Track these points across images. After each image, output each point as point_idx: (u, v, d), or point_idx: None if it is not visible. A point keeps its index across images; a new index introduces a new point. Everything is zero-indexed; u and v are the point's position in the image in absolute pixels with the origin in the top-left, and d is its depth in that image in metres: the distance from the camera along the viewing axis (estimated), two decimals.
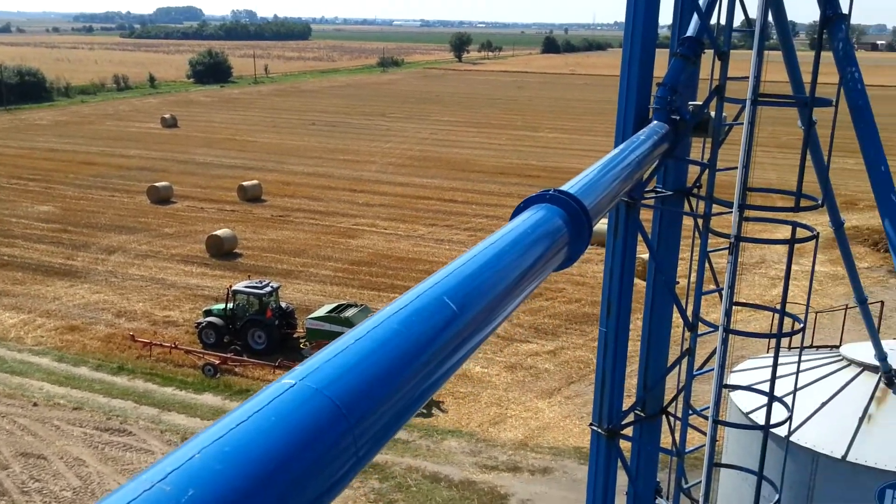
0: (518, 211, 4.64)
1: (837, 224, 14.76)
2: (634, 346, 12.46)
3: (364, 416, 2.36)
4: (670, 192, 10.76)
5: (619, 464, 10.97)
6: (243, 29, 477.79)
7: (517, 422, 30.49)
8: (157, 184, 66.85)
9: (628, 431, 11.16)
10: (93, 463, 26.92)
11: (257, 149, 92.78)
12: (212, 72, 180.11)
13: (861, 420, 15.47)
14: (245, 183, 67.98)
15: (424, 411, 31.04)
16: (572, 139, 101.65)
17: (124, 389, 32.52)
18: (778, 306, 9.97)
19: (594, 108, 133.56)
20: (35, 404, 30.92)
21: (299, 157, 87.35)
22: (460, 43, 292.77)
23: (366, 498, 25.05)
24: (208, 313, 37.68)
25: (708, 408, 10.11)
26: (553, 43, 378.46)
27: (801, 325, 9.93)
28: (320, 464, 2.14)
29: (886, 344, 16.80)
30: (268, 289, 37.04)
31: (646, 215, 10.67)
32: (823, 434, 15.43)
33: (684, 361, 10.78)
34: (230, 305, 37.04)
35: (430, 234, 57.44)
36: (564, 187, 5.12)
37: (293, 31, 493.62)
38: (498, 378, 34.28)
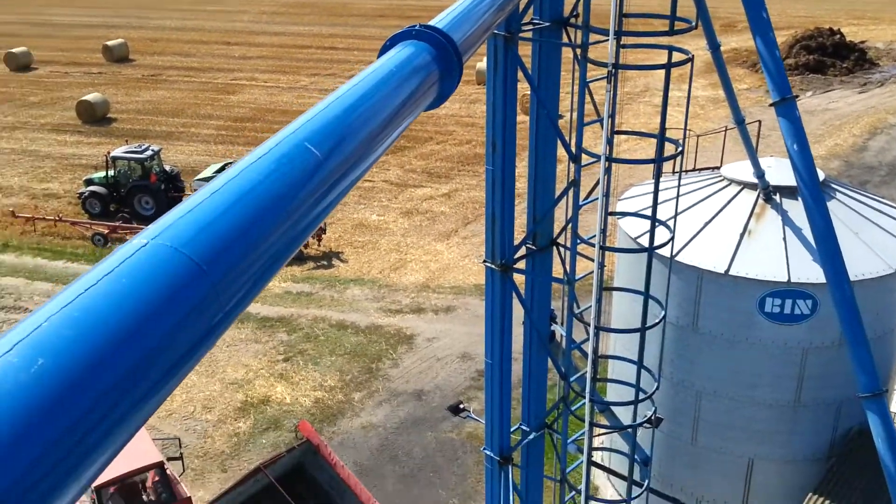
0: (384, 49, 4.46)
1: (714, 46, 15.00)
2: (523, 182, 12.64)
3: (227, 271, 2.28)
4: (548, 23, 10.63)
5: (515, 297, 11.34)
6: None
7: (417, 265, 31.06)
8: (13, 50, 62.10)
9: (521, 265, 11.47)
10: None
11: (115, 4, 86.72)
12: None
13: (742, 235, 16.35)
14: (110, 42, 63.86)
15: (325, 263, 31.22)
16: None
17: (13, 267, 31.39)
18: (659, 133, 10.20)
19: None
20: None
21: (162, 11, 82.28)
22: None
23: (276, 350, 25.42)
24: (89, 182, 36.18)
25: (595, 236, 10.44)
26: None
27: (680, 148, 10.21)
28: (183, 323, 2.07)
29: (764, 161, 17.55)
30: (148, 152, 35.64)
31: (525, 50, 10.55)
32: (707, 251, 16.28)
33: (571, 193, 11.00)
34: (111, 173, 35.61)
35: (314, 84, 55.90)
36: (433, 22, 4.95)
37: None
38: (395, 224, 34.57)
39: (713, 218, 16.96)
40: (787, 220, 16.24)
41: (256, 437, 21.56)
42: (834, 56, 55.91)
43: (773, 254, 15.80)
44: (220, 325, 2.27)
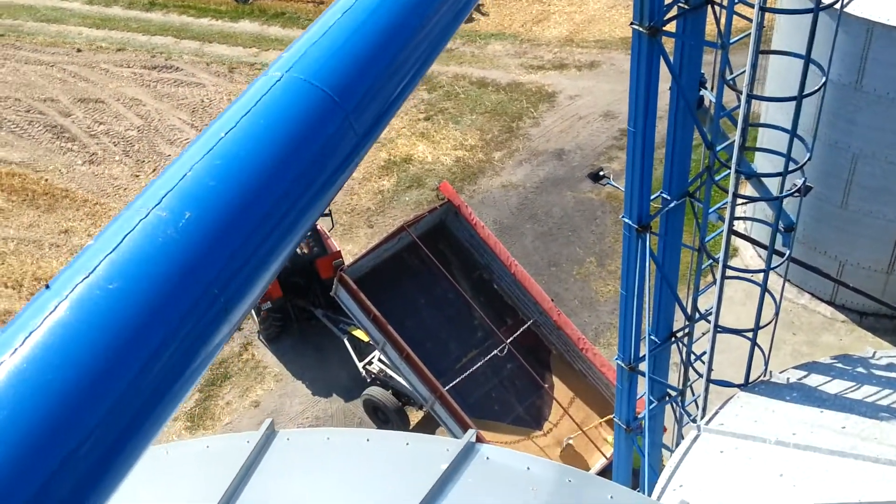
0: None
1: None
2: None
3: (362, 99, 2.21)
4: None
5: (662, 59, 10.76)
6: None
7: (561, 17, 29.78)
8: None
9: (671, 28, 10.76)
10: (149, 101, 27.70)
11: None
12: None
13: None
14: None
15: None
16: None
17: (161, 25, 32.28)
18: None
19: None
20: (79, 50, 31.09)
21: None
22: None
23: (416, 109, 25.64)
24: None
25: None
26: None
27: None
28: (320, 158, 2.06)
29: None
30: None
31: None
32: (879, 1, 14.80)
33: None
34: None
35: None
36: None
37: None
38: None
39: None
40: None
41: (400, 195, 22.36)
42: None
43: None
44: (357, 151, 2.26)
